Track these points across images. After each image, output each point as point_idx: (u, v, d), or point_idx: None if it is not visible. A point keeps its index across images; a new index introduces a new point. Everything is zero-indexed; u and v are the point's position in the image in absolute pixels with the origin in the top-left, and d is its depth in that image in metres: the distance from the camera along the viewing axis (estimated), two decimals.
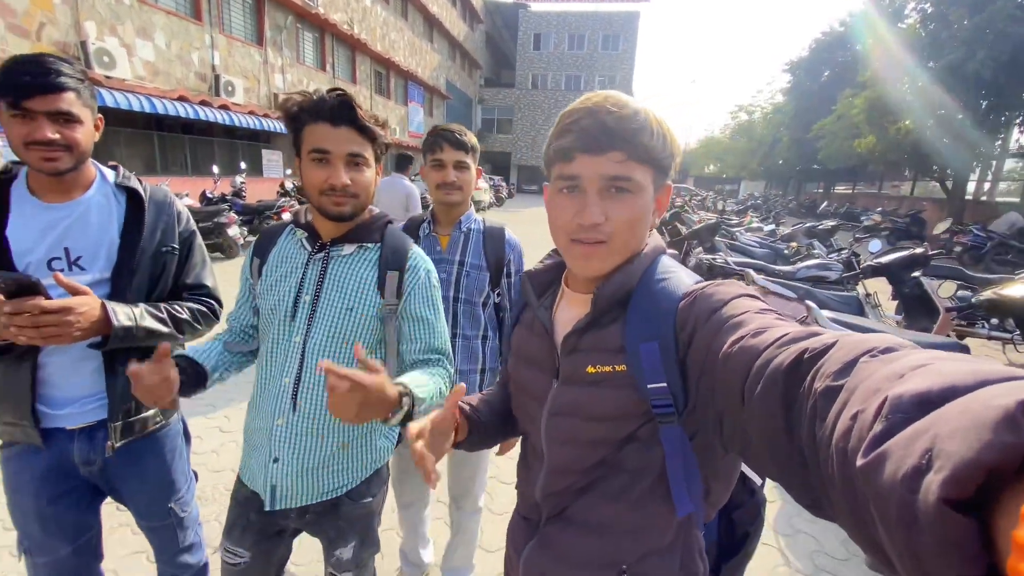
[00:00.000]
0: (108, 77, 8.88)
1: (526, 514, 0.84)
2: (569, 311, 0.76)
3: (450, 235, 1.57)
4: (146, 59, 10.01)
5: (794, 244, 6.19)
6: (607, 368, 0.67)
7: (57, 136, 1.06)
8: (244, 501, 1.17)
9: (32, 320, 0.97)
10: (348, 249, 1.12)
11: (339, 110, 1.00)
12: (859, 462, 0.31)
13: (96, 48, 8.76)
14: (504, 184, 24.11)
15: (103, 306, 1.10)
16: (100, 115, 1.19)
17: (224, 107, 11.37)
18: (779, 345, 0.47)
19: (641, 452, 0.68)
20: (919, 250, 3.94)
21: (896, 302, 4.34)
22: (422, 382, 1.02)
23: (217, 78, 11.56)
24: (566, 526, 0.75)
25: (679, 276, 0.69)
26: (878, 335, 0.40)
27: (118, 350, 1.16)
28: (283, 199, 9.59)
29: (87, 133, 1.14)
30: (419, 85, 24.20)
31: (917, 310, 3.84)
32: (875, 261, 4.14)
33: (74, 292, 1.06)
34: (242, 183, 9.52)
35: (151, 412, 1.28)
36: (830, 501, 0.38)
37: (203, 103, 10.72)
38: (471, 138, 1.57)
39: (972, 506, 0.25)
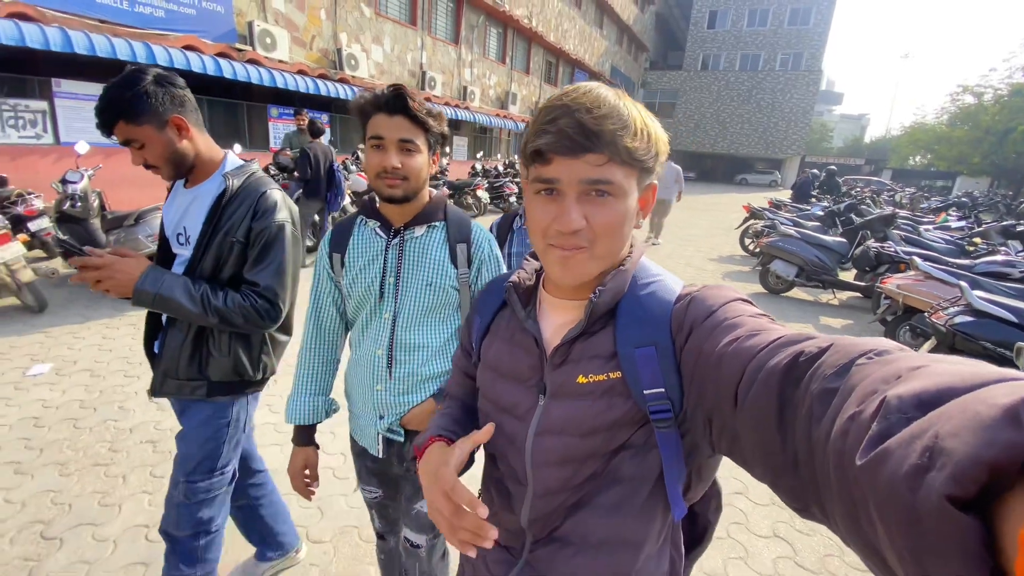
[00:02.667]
0: (353, 76, 11.40)
1: (505, 543, 0.77)
2: (552, 319, 0.73)
3: None
4: (377, 61, 12.51)
5: (977, 240, 5.85)
6: (600, 376, 0.65)
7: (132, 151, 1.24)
8: (360, 453, 1.34)
9: (81, 273, 1.17)
10: (419, 231, 1.21)
11: (393, 101, 1.10)
12: (858, 462, 0.31)
13: (347, 54, 11.31)
14: None
15: (145, 270, 1.21)
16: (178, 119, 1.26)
17: (428, 100, 13.60)
18: (774, 348, 0.47)
19: (637, 459, 0.65)
20: None
21: None
22: None
23: (423, 75, 13.85)
24: (562, 547, 0.70)
25: (666, 280, 0.68)
26: (872, 339, 0.41)
27: (169, 323, 1.35)
28: (476, 178, 11.44)
29: (157, 143, 1.22)
30: (585, 72, 25.01)
31: None
32: None
33: (121, 255, 1.22)
34: (447, 164, 11.69)
35: (181, 380, 1.35)
36: (821, 505, 0.38)
37: None
38: None
39: (974, 506, 0.25)
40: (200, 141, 1.31)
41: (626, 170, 0.61)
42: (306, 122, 6.33)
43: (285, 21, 10.03)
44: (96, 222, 4.56)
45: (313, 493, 1.33)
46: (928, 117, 35.94)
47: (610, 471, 0.66)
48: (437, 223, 1.23)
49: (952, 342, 3.26)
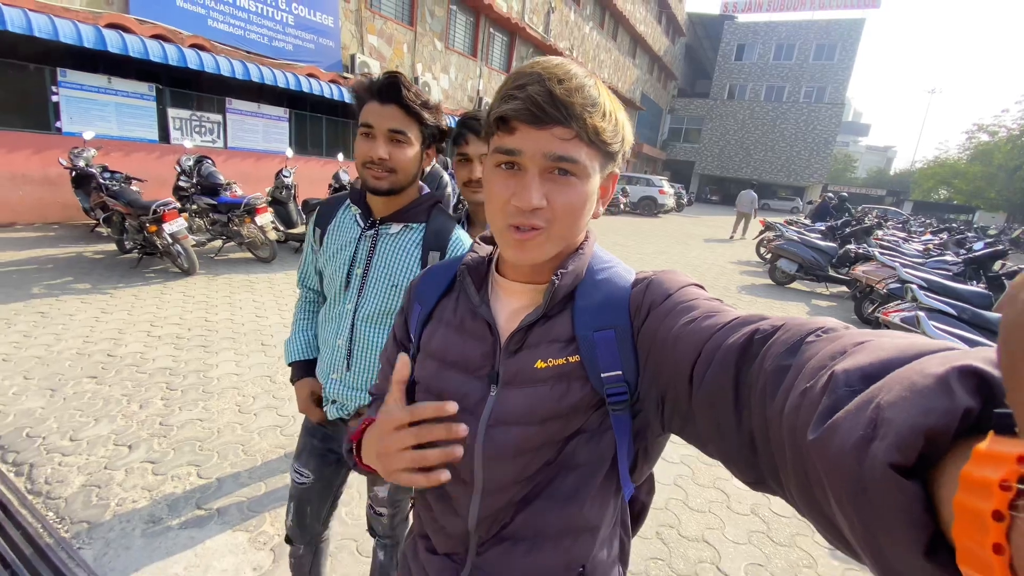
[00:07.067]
0: None
1: (446, 550, 0.71)
2: (507, 303, 0.69)
3: None
4: (443, 87, 14.60)
5: (930, 247, 7.73)
6: (560, 360, 0.62)
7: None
8: (310, 430, 1.36)
9: None
10: (395, 228, 1.17)
11: (387, 89, 1.06)
12: (810, 436, 0.32)
13: (422, 81, 13.40)
14: (684, 192, 25.82)
15: None
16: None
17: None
18: (730, 327, 0.48)
19: (592, 444, 0.63)
20: (1001, 247, 5.49)
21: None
22: None
23: (480, 100, 15.90)
24: (514, 544, 0.66)
25: (619, 267, 0.68)
26: (821, 318, 0.43)
27: None
28: None
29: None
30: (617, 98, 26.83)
31: (998, 291, 5.58)
32: (972, 255, 5.81)
33: None
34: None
35: None
36: (777, 478, 0.40)
37: None
38: None
39: (917, 474, 0.26)
40: None
41: (591, 151, 0.58)
42: None
43: (377, 54, 12.14)
44: (292, 205, 6.50)
45: (323, 414, 1.32)
46: (951, 152, 37.08)
47: (564, 458, 0.64)
48: (416, 224, 1.19)
49: (888, 301, 4.92)
